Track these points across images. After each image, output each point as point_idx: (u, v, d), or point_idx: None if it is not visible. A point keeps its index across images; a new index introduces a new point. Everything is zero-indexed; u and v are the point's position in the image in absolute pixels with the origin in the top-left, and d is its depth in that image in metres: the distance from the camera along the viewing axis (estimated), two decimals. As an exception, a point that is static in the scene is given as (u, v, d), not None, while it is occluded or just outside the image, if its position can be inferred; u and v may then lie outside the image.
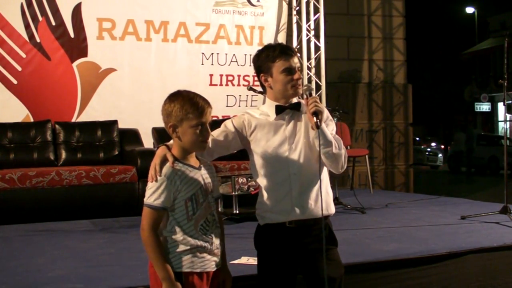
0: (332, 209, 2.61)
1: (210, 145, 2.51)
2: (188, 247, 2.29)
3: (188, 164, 2.34)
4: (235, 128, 2.61)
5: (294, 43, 8.17)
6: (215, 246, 2.36)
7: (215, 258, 2.37)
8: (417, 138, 20.63)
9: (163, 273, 2.23)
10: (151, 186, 2.28)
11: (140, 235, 2.27)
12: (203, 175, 2.37)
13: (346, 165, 2.57)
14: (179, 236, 2.29)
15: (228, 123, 2.64)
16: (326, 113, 2.60)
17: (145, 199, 2.28)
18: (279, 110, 2.56)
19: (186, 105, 2.29)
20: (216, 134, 2.60)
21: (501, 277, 3.97)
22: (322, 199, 2.51)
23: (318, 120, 2.42)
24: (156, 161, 2.31)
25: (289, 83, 2.54)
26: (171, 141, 2.42)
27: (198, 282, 2.30)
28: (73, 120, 7.01)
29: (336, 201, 5.87)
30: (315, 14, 7.99)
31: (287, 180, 2.52)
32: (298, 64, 2.59)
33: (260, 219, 2.60)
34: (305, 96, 2.55)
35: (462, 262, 3.86)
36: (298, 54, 7.83)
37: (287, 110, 2.57)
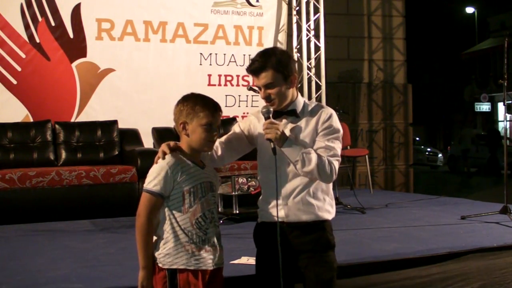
0: (324, 215, 2.56)
1: (220, 151, 2.58)
2: (181, 243, 2.30)
3: (192, 161, 2.39)
4: (242, 131, 2.66)
5: (294, 43, 8.17)
6: (211, 243, 2.37)
7: (212, 256, 2.37)
8: (417, 138, 20.61)
9: (145, 261, 2.31)
10: (151, 173, 2.34)
11: (136, 220, 2.32)
12: (205, 173, 2.42)
13: (332, 175, 2.48)
14: (170, 229, 2.31)
15: (235, 127, 2.70)
16: (324, 120, 2.52)
17: (144, 185, 2.35)
18: (275, 115, 2.56)
19: (198, 104, 2.38)
20: (225, 139, 2.64)
21: (504, 275, 3.96)
22: (311, 203, 2.52)
23: (273, 148, 2.43)
24: (164, 147, 2.38)
25: (263, 98, 2.55)
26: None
27: (193, 280, 2.31)
28: (72, 120, 7.02)
29: (336, 201, 5.87)
30: (315, 14, 7.99)
31: (275, 181, 2.54)
32: (266, 81, 2.50)
33: (259, 216, 2.67)
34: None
35: (464, 261, 3.86)
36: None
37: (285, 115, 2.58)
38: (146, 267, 2.32)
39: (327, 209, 2.59)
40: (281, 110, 2.57)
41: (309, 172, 2.45)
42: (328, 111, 2.58)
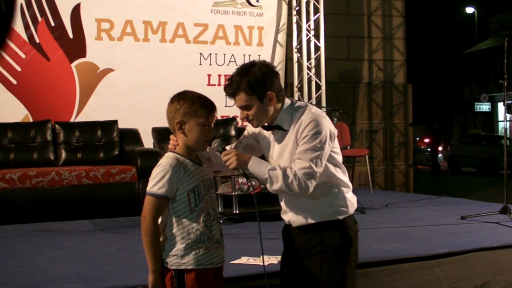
0: (329, 216, 2.47)
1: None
2: (189, 242, 2.30)
3: (190, 159, 2.39)
4: (251, 135, 2.67)
5: (294, 43, 8.18)
6: (215, 240, 2.37)
7: (217, 254, 2.37)
8: (417, 138, 20.66)
9: (155, 265, 2.27)
10: (155, 176, 2.31)
11: (141, 224, 2.28)
12: (204, 171, 2.43)
13: (302, 190, 2.34)
14: (177, 230, 2.30)
15: (245, 132, 2.69)
16: (301, 130, 2.39)
17: (148, 188, 2.31)
18: (265, 129, 2.56)
19: (196, 103, 2.36)
20: (244, 141, 2.65)
21: (508, 273, 3.96)
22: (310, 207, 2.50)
23: (243, 173, 2.42)
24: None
25: (242, 119, 2.57)
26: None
27: (200, 279, 2.30)
28: (72, 120, 7.02)
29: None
30: (315, 14, 7.99)
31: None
32: (240, 103, 2.45)
33: None
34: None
35: (466, 260, 3.86)
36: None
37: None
38: (156, 270, 2.26)
39: (334, 210, 2.49)
40: (267, 125, 2.52)
41: (279, 190, 2.39)
42: (307, 117, 2.40)
